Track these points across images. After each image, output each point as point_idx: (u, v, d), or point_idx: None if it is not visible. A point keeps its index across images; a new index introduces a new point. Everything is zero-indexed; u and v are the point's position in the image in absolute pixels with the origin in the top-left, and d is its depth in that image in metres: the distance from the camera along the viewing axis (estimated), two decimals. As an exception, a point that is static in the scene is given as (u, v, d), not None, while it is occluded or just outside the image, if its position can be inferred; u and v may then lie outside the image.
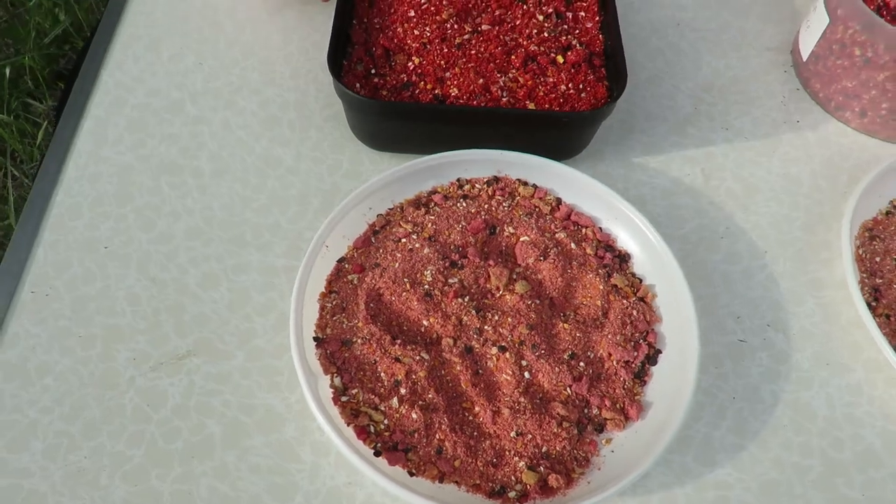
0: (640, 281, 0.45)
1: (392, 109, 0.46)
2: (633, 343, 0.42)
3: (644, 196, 0.49)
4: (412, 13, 0.50)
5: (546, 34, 0.50)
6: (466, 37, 0.49)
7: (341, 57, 0.48)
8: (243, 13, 0.57)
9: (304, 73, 0.53)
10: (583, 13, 0.52)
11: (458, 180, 0.48)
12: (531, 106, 0.47)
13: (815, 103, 0.54)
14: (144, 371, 0.40)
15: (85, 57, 0.52)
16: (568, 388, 0.40)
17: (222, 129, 0.50)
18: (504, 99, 0.47)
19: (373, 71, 0.48)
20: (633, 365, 0.42)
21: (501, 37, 0.49)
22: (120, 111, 0.50)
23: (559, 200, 0.48)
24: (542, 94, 0.47)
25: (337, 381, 0.39)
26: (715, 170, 0.51)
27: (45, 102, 1.24)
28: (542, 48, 0.49)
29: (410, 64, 0.48)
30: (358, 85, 0.47)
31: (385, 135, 0.48)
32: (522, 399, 0.40)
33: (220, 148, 0.49)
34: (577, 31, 0.51)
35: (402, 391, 0.39)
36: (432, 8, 0.50)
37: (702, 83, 0.55)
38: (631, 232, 0.46)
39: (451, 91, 0.47)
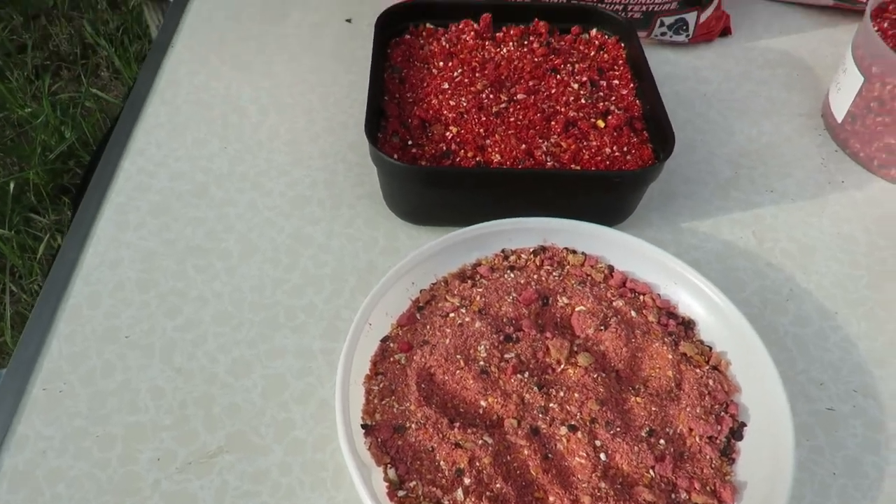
0: (710, 348, 0.41)
1: (435, 175, 0.44)
2: (714, 416, 0.38)
3: (699, 261, 0.47)
4: (446, 85, 0.49)
5: (583, 101, 0.49)
6: (503, 105, 0.48)
7: (375, 130, 0.47)
8: (266, 99, 0.56)
9: (333, 153, 0.52)
10: (616, 81, 0.51)
11: (503, 251, 0.45)
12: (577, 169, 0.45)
13: (857, 163, 0.53)
14: (171, 473, 0.36)
15: (104, 148, 0.51)
16: (651, 470, 0.36)
17: (250, 210, 0.48)
18: (549, 163, 0.45)
19: (410, 142, 0.47)
20: (718, 440, 0.37)
21: (539, 105, 0.48)
22: (143, 196, 0.48)
23: (611, 268, 0.45)
24: (587, 157, 0.46)
25: (391, 472, 0.35)
26: (766, 231, 0.49)
27: (47, 216, 1.23)
28: (581, 114, 0.48)
29: (448, 133, 0.47)
30: (395, 156, 0.45)
31: (424, 206, 0.46)
32: (602, 484, 0.35)
33: (249, 229, 0.47)
34: (614, 98, 0.50)
35: (467, 481, 0.34)
36: (465, 80, 0.50)
37: (737, 149, 0.54)
38: (694, 296, 0.43)
39: (493, 157, 0.45)
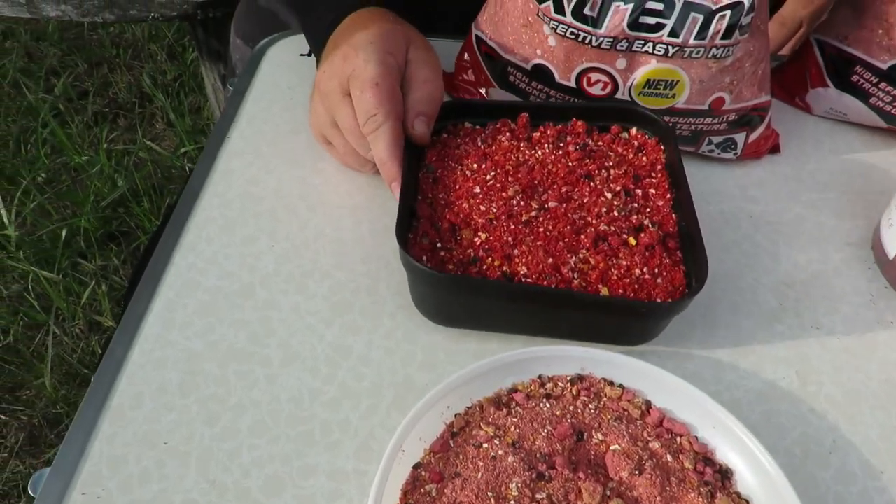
0: (748, 503, 0.40)
1: (458, 284, 0.44)
2: (749, 580, 0.37)
3: (739, 400, 0.46)
4: (477, 189, 0.50)
5: (616, 213, 0.49)
6: (534, 214, 0.48)
7: (407, 230, 0.48)
8: (315, 196, 0.57)
9: (376, 257, 0.53)
10: (653, 190, 0.52)
11: (540, 377, 0.45)
12: (604, 290, 0.45)
13: (907, 302, 0.52)
14: None
15: (160, 238, 0.52)
16: None
17: (292, 314, 0.49)
18: (575, 281, 0.45)
19: (439, 245, 0.47)
20: None
21: (569, 215, 0.49)
22: (192, 294, 0.49)
23: (649, 403, 0.44)
24: (615, 277, 0.46)
25: None
26: (810, 373, 0.48)
27: (94, 262, 1.26)
28: (612, 227, 0.48)
29: (477, 239, 0.47)
30: (424, 258, 0.46)
31: (451, 310, 0.47)
32: None
33: (290, 335, 0.48)
34: (649, 210, 0.50)
35: None
36: (498, 184, 0.50)
37: (783, 277, 0.54)
38: (732, 443, 0.42)
39: (519, 269, 0.46)
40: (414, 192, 0.51)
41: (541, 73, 0.58)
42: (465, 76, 0.65)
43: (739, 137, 0.60)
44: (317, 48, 0.61)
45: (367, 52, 0.50)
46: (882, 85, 0.62)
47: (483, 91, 0.64)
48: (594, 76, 0.56)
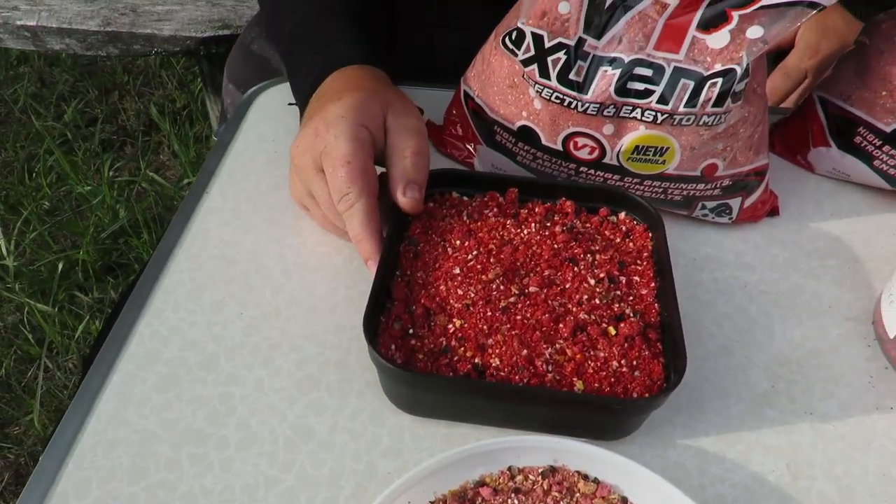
0: None
1: (427, 382, 0.42)
2: None
3: (724, 497, 0.43)
4: (457, 270, 0.48)
5: (598, 300, 0.46)
6: (512, 299, 0.46)
7: (380, 312, 0.46)
8: (291, 259, 0.55)
9: (349, 327, 0.51)
10: (637, 278, 0.49)
11: (510, 469, 0.43)
12: (578, 384, 0.42)
13: (909, 386, 0.49)
14: None
15: (125, 302, 0.51)
16: None
17: (255, 390, 0.47)
18: (549, 374, 0.42)
19: (411, 331, 0.45)
20: None
21: (550, 301, 0.46)
22: (152, 366, 0.48)
23: (625, 500, 0.41)
24: (591, 370, 0.43)
25: None
26: (803, 465, 0.44)
27: (91, 294, 1.26)
28: (592, 316, 0.45)
29: (451, 326, 0.45)
30: (394, 346, 0.44)
31: (420, 402, 0.44)
32: None
33: (251, 414, 0.45)
34: (631, 299, 0.47)
35: None
36: (478, 266, 0.48)
37: (777, 355, 0.51)
38: (713, 551, 0.39)
39: (492, 361, 0.43)
40: (393, 268, 0.49)
41: (527, 135, 0.56)
42: (453, 131, 0.63)
43: (735, 203, 0.57)
44: (301, 106, 0.59)
45: (338, 127, 0.49)
46: (886, 148, 0.59)
47: (471, 147, 0.62)
48: (581, 140, 0.54)
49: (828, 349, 0.51)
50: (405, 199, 0.50)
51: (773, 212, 0.61)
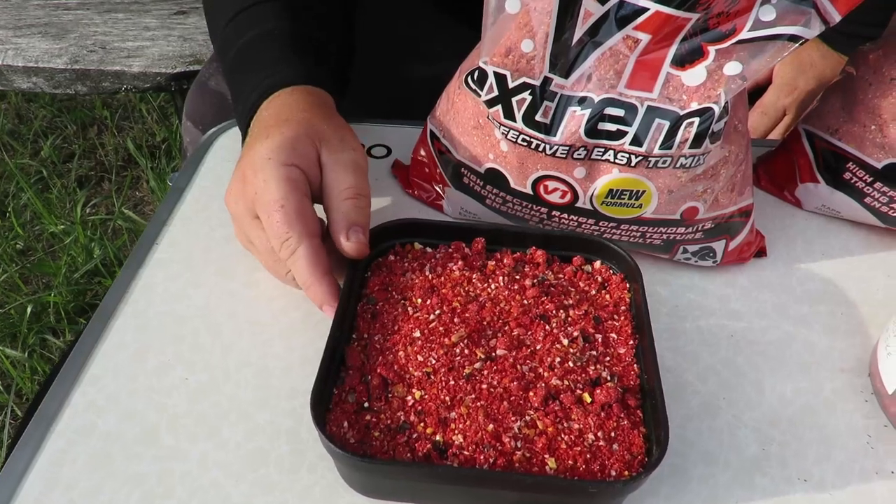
0: None
1: (379, 469, 0.38)
2: None
3: (711, 582, 0.39)
4: (417, 333, 0.44)
5: (571, 363, 0.43)
6: (478, 365, 0.42)
7: (332, 384, 0.42)
8: (244, 315, 0.52)
9: (303, 391, 0.47)
10: (614, 335, 0.45)
11: (475, 555, 0.38)
12: (551, 462, 0.38)
13: (911, 447, 0.45)
14: None
15: (58, 372, 0.47)
16: None
17: (198, 466, 0.43)
18: (518, 452, 0.38)
19: (366, 405, 0.41)
20: None
21: (518, 366, 0.42)
22: (85, 441, 0.43)
23: (602, 590, 0.37)
24: (564, 445, 0.39)
25: None
26: (798, 542, 0.40)
27: (63, 338, 1.21)
28: (566, 382, 0.42)
29: (410, 398, 0.41)
30: (346, 423, 0.40)
31: (377, 485, 0.40)
32: None
33: (190, 495, 0.41)
34: (609, 360, 0.44)
35: None
36: (441, 328, 0.44)
37: (768, 414, 0.47)
38: None
39: (454, 438, 0.39)
40: (349, 331, 0.45)
41: (495, 178, 0.53)
42: (421, 171, 0.60)
43: (718, 245, 0.54)
44: (243, 136, 0.56)
45: (265, 171, 0.45)
46: (877, 185, 0.56)
47: (439, 189, 0.59)
48: (551, 184, 0.51)
49: (821, 406, 0.48)
50: (349, 244, 0.47)
51: (761, 252, 0.58)
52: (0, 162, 1.59)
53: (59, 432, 0.44)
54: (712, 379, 0.49)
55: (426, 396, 0.41)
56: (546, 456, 0.38)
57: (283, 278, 0.50)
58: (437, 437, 0.39)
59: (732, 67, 0.45)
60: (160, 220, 0.59)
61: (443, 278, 0.48)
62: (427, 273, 0.48)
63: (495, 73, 0.47)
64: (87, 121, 1.74)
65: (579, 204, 0.51)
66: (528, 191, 0.52)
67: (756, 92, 0.82)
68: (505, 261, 0.50)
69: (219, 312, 0.52)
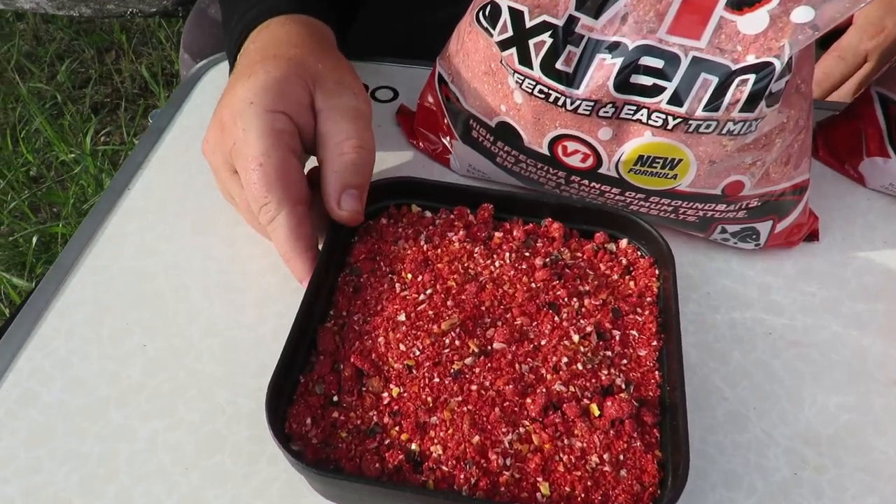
0: None
1: (336, 483, 0.32)
2: None
3: None
4: (403, 316, 0.38)
5: (580, 365, 0.36)
6: (469, 360, 0.36)
7: (299, 370, 0.36)
8: (217, 276, 0.46)
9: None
10: (635, 333, 0.39)
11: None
12: (543, 489, 0.32)
13: (974, 482, 0.38)
14: None
15: (5, 331, 0.42)
16: None
17: (146, 449, 0.38)
18: (506, 473, 0.32)
19: (335, 398, 0.35)
20: None
21: (517, 364, 0.36)
22: (23, 414, 0.39)
23: None
24: (562, 468, 0.33)
25: None
26: (829, 588, 0.34)
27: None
28: (571, 388, 0.35)
29: (386, 395, 0.35)
30: (310, 420, 0.34)
31: (339, 494, 0.35)
32: None
33: (135, 482, 0.37)
34: (625, 363, 0.37)
35: None
36: (430, 311, 0.38)
37: (804, 431, 0.40)
38: None
39: (432, 449, 0.33)
40: (325, 306, 0.39)
41: (507, 133, 0.45)
42: (427, 120, 0.53)
43: (763, 227, 0.46)
44: (231, 71, 0.49)
45: (245, 118, 0.39)
46: (961, 164, 0.47)
47: (447, 142, 0.52)
48: (571, 145, 0.43)
49: (870, 426, 0.41)
50: (341, 211, 0.40)
51: (812, 236, 0.50)
52: (16, 85, 1.54)
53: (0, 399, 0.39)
54: (743, 384, 0.42)
55: (405, 395, 0.35)
56: (539, 479, 0.32)
57: (266, 235, 0.45)
58: (413, 446, 0.33)
59: (802, 13, 0.37)
60: (135, 162, 0.53)
61: (440, 251, 0.42)
62: (422, 243, 0.42)
63: (510, 8, 0.40)
64: (104, 45, 1.68)
65: (603, 170, 0.44)
66: (545, 151, 0.44)
67: (831, 35, 0.72)
68: (515, 233, 0.43)
69: (189, 272, 0.46)
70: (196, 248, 0.48)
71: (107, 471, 0.37)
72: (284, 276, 0.46)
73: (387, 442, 0.34)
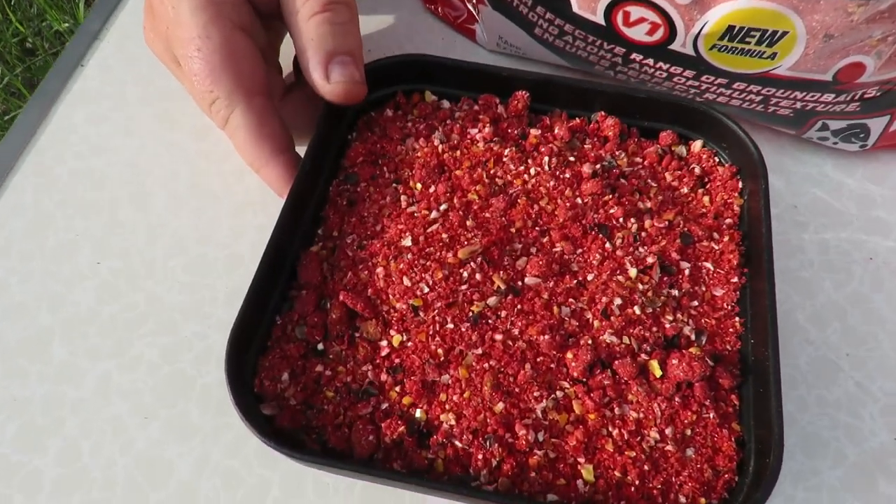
0: None
1: (316, 460, 0.25)
2: None
3: None
4: (408, 240, 0.29)
5: (637, 309, 0.28)
6: (493, 301, 0.28)
7: (274, 311, 0.29)
8: (187, 179, 0.38)
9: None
10: (710, 265, 0.30)
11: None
12: (585, 473, 0.25)
13: None
14: None
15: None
16: None
17: (97, 393, 0.31)
18: (537, 454, 0.25)
19: (320, 346, 0.28)
20: None
21: (555, 307, 0.28)
22: (-50, 347, 0.32)
23: None
24: (610, 447, 0.25)
25: None
26: (935, 590, 0.28)
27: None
28: (625, 340, 0.27)
29: (385, 344, 0.28)
30: (287, 375, 0.27)
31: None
32: None
33: (84, 434, 0.30)
34: (696, 307, 0.29)
35: None
36: (444, 234, 0.29)
37: (911, 386, 0.32)
38: None
39: (442, 419, 0.26)
40: (310, 225, 0.31)
41: (549, -4, 0.35)
42: (449, -19, 0.42)
43: (877, 124, 0.36)
44: None
45: None
46: None
47: (471, 6, 0.41)
48: (635, 11, 0.33)
49: None
50: (331, 85, 0.31)
51: (932, 136, 0.39)
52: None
53: (-82, 332, 0.33)
54: (834, 325, 0.34)
55: (409, 345, 0.27)
56: (580, 461, 0.25)
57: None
58: (417, 413, 0.26)
59: None
60: (89, 32, 0.44)
61: (459, 153, 0.32)
62: (437, 142, 0.33)
63: None
64: None
65: (676, 46, 0.33)
66: (599, 19, 0.34)
67: None
68: (556, 130, 0.33)
69: (152, 175, 0.38)
70: (163, 143, 0.39)
71: (49, 421, 0.31)
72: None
73: (384, 406, 0.26)
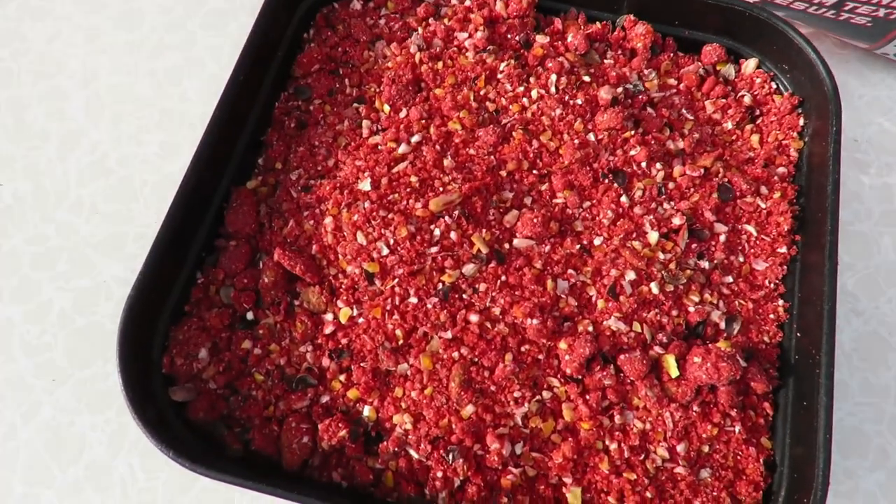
0: None
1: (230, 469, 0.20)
2: None
3: None
4: (367, 183, 0.23)
5: (655, 287, 0.22)
6: (469, 269, 0.22)
7: (192, 260, 0.23)
8: (104, 79, 0.31)
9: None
10: (753, 229, 0.24)
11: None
12: (573, 499, 0.20)
13: None
14: None
15: None
16: None
17: (-3, 347, 0.26)
18: (512, 473, 0.20)
19: (249, 315, 0.22)
20: None
21: (549, 280, 0.22)
22: None
23: None
24: (605, 466, 0.20)
25: None
26: None
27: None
28: (634, 327, 0.21)
29: (330, 318, 0.22)
30: (205, 351, 0.22)
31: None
32: None
33: (-23, 399, 0.25)
34: (731, 282, 0.23)
35: None
36: (413, 177, 0.23)
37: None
38: None
39: (395, 420, 0.21)
40: (247, 150, 0.25)
41: None
42: None
43: (977, 40, 0.28)
44: None
45: None
46: None
47: None
48: None
49: None
50: None
51: None
52: None
53: None
54: (889, 293, 0.28)
55: (360, 321, 0.21)
56: (566, 481, 0.20)
57: None
58: (366, 411, 0.21)
59: None
60: None
61: (441, 64, 0.25)
62: (413, 48, 0.25)
63: None
64: None
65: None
66: None
67: None
68: (570, 38, 0.26)
69: (68, 69, 0.31)
70: (78, 29, 0.32)
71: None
72: (221, 69, 0.30)
73: (324, 400, 0.21)
